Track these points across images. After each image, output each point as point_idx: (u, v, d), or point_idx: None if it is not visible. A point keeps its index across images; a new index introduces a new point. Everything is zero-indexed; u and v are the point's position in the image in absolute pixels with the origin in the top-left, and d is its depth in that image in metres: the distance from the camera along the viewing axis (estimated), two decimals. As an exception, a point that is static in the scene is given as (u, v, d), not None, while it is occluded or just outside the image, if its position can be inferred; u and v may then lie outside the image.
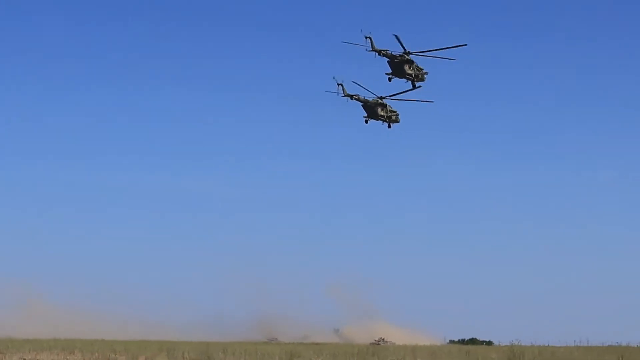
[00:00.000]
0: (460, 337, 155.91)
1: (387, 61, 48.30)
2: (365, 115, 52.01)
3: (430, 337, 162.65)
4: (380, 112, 50.56)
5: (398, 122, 52.09)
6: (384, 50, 47.54)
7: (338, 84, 50.23)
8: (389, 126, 52.23)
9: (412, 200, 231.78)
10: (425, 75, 49.22)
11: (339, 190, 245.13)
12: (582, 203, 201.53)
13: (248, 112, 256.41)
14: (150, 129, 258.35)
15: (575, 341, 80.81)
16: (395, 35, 46.44)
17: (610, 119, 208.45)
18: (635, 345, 72.50)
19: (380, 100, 49.26)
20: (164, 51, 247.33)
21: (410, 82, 48.03)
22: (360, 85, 48.98)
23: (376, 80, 52.16)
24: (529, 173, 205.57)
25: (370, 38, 46.52)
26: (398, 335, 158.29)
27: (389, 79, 49.01)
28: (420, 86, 50.34)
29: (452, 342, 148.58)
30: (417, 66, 48.08)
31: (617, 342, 76.44)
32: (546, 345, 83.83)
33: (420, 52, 47.29)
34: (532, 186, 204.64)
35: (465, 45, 51.16)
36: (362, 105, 51.28)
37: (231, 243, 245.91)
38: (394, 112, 51.07)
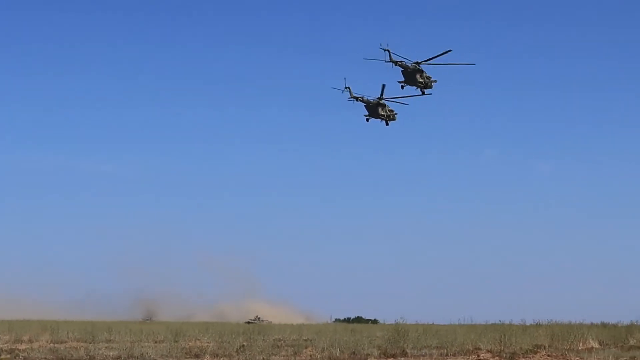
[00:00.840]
0: (346, 316, 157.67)
1: (402, 71, 52.94)
2: (367, 114, 56.67)
3: (312, 316, 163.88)
4: (380, 111, 55.58)
5: (395, 120, 56.53)
6: (400, 62, 52.32)
7: (346, 87, 54.83)
8: (387, 124, 57.04)
9: (299, 176, 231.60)
10: (433, 84, 53.72)
11: (221, 168, 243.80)
12: (464, 180, 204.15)
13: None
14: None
15: (459, 319, 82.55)
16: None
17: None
18: (517, 324, 74.16)
19: (380, 101, 54.10)
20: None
21: (419, 89, 52.76)
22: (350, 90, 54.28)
23: (375, 83, 58.24)
24: (406, 152, 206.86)
25: (388, 51, 51.34)
26: (277, 314, 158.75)
27: (402, 87, 53.74)
28: (430, 93, 54.84)
29: (337, 320, 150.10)
30: (427, 75, 52.55)
31: (500, 321, 78.21)
32: (430, 323, 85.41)
33: (427, 61, 51.75)
34: (409, 166, 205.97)
35: (474, 64, 56.33)
36: (364, 105, 56.00)
37: (111, 222, 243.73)
38: (392, 111, 55.74)
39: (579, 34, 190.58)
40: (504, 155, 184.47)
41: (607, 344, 64.18)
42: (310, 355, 51.96)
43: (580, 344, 61.66)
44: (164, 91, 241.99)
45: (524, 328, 67.77)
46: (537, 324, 75.48)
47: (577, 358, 49.31)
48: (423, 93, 53.71)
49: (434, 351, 53.59)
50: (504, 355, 49.91)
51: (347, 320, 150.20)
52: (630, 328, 76.79)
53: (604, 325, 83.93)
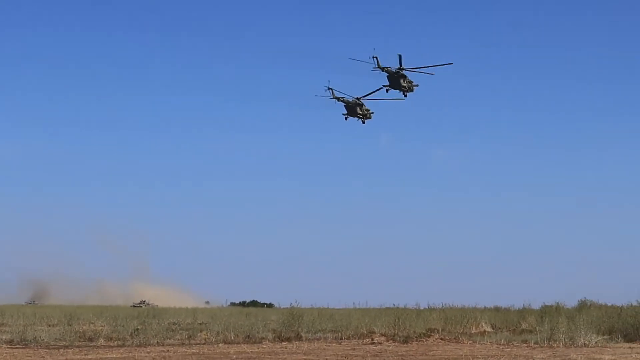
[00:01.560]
0: (242, 300, 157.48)
1: (387, 76, 56.01)
2: (345, 113, 59.67)
3: (200, 299, 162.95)
4: (358, 110, 58.69)
5: (370, 118, 60.11)
6: (386, 68, 55.41)
7: (328, 88, 57.89)
8: (363, 122, 60.32)
9: (196, 158, 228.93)
10: (415, 88, 56.89)
11: (118, 148, 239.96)
12: (360, 166, 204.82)
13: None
14: None
15: (354, 303, 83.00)
16: (399, 55, 55.54)
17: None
18: (411, 308, 74.90)
19: (358, 101, 57.71)
20: None
21: (402, 92, 56.26)
22: (339, 91, 58.13)
23: (355, 85, 61.73)
24: (305, 139, 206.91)
25: (376, 58, 54.84)
26: (168, 298, 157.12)
27: (387, 90, 56.91)
28: (406, 96, 57.66)
29: (233, 304, 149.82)
30: (409, 80, 56.05)
31: (395, 305, 78.81)
32: (325, 307, 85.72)
33: (411, 68, 55.74)
34: (306, 153, 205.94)
35: (452, 63, 58.60)
36: (344, 105, 58.98)
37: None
38: (369, 110, 59.04)
39: (467, 18, 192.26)
40: (400, 141, 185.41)
41: (499, 328, 65.21)
42: (205, 339, 51.74)
43: (474, 328, 62.56)
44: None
45: (418, 312, 68.50)
46: (430, 308, 76.30)
47: (470, 341, 49.92)
48: (405, 95, 57.11)
49: (329, 335, 53.79)
50: (398, 338, 50.30)
51: (243, 304, 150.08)
52: (522, 312, 78.09)
53: (497, 310, 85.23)
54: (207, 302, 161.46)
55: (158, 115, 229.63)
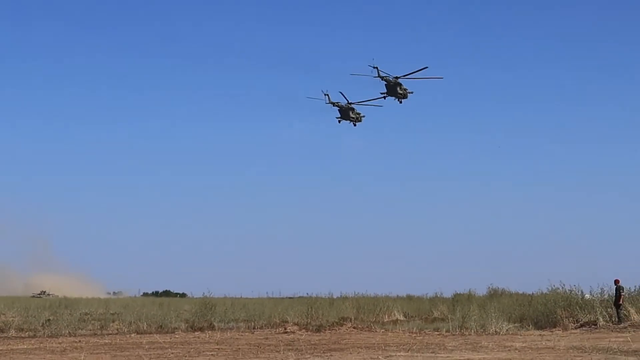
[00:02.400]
0: (154, 290, 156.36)
1: (385, 84, 59.90)
2: (339, 116, 64.05)
3: (106, 289, 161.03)
4: (351, 114, 63.08)
5: (361, 121, 64.33)
6: (385, 77, 59.55)
7: (325, 94, 62.14)
8: (354, 125, 64.62)
9: (105, 146, 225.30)
10: (409, 95, 60.99)
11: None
12: (273, 154, 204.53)
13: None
14: None
15: (267, 293, 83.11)
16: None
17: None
18: (324, 297, 75.16)
19: (350, 105, 62.22)
20: None
21: (397, 99, 60.30)
22: (342, 94, 62.49)
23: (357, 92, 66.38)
24: (218, 127, 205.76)
25: (377, 68, 59.19)
26: (70, 288, 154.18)
27: (384, 97, 60.79)
28: (402, 102, 61.80)
29: (145, 294, 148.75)
30: (404, 87, 60.15)
31: (308, 294, 79.06)
32: (239, 297, 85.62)
33: (405, 76, 60.08)
34: (219, 143, 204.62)
35: (442, 78, 66.62)
36: (338, 109, 63.36)
37: None
38: (359, 113, 63.46)
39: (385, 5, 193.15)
40: (313, 129, 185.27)
41: (412, 316, 65.82)
42: (117, 329, 51.32)
43: (386, 316, 63.04)
44: None
45: (331, 301, 68.71)
46: (343, 297, 76.57)
47: (383, 330, 50.20)
48: (400, 102, 61.23)
49: (242, 324, 53.74)
50: (311, 327, 50.40)
51: (155, 294, 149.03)
52: (434, 300, 78.87)
53: (409, 298, 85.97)
54: (114, 293, 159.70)
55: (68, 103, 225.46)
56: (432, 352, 33.61)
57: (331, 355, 32.24)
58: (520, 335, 45.49)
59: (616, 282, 51.70)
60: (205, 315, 54.46)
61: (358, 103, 64.03)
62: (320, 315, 54.32)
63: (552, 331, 48.63)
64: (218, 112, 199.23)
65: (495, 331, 47.62)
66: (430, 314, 67.62)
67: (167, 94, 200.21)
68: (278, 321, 54.34)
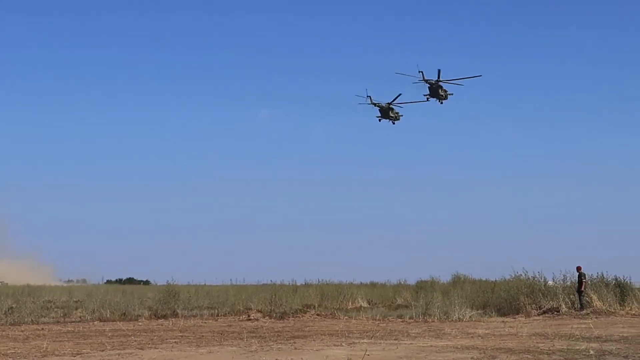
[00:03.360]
0: (118, 277, 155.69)
1: (428, 87, 64.45)
2: (379, 115, 68.70)
3: (58, 276, 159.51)
4: (390, 113, 67.71)
5: (399, 120, 69.02)
6: (429, 80, 64.04)
7: (368, 96, 67.05)
8: (393, 123, 69.15)
9: (56, 134, 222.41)
10: (449, 96, 65.60)
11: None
12: (239, 141, 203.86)
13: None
14: None
15: (231, 280, 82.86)
16: (439, 70, 65.20)
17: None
18: (288, 284, 75.09)
19: (389, 105, 67.05)
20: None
21: (439, 100, 65.27)
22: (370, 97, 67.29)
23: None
24: (180, 117, 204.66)
25: (422, 72, 63.94)
26: (24, 275, 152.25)
27: (427, 99, 65.42)
28: (442, 103, 66.84)
29: (109, 282, 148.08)
30: (445, 89, 64.93)
31: (271, 281, 78.99)
32: (202, 284, 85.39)
33: (447, 80, 64.80)
34: (179, 130, 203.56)
35: (480, 76, 71.07)
36: (379, 109, 68.01)
37: None
38: (398, 113, 68.12)
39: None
40: (280, 116, 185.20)
41: (375, 303, 65.94)
42: (80, 317, 51.11)
43: (350, 304, 63.12)
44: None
45: (295, 288, 68.65)
46: (307, 284, 76.59)
47: (346, 317, 50.30)
48: (441, 103, 66.01)
49: (205, 312, 53.67)
50: (275, 315, 50.43)
51: (119, 282, 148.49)
52: (398, 288, 79.11)
53: (373, 285, 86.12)
54: (77, 281, 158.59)
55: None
56: (395, 339, 33.69)
57: (294, 342, 32.22)
58: (483, 322, 45.74)
59: (578, 269, 52.08)
60: (169, 303, 54.39)
61: (397, 104, 68.76)
62: (284, 303, 54.32)
63: (515, 318, 48.94)
64: (177, 100, 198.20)
65: (459, 318, 47.86)
66: (394, 301, 67.79)
67: (117, 81, 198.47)
68: (242, 308, 54.30)
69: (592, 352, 27.11)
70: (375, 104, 68.43)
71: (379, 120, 70.03)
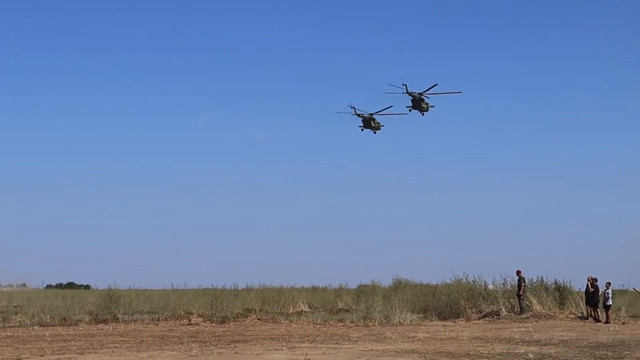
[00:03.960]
0: (58, 282, 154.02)
1: (411, 99, 66.77)
2: (362, 125, 71.00)
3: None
4: (372, 123, 70.38)
5: (380, 129, 71.34)
6: (412, 93, 66.63)
7: (352, 107, 69.97)
8: (375, 132, 71.55)
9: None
10: (430, 108, 68.04)
11: None
12: (179, 145, 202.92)
13: None
14: None
15: (172, 284, 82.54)
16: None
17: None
18: (229, 288, 74.93)
19: (372, 116, 69.91)
20: None
21: (420, 112, 67.94)
22: (357, 108, 70.27)
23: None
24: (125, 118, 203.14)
25: (406, 85, 66.23)
26: None
27: (410, 111, 67.82)
28: (424, 115, 69.12)
29: (49, 286, 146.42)
30: (427, 102, 67.45)
31: (212, 285, 78.80)
32: (143, 289, 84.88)
33: (430, 93, 67.17)
34: (123, 134, 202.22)
35: (461, 92, 72.33)
36: (362, 119, 70.64)
37: None
38: (379, 123, 70.96)
39: None
40: (221, 120, 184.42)
41: (316, 307, 65.98)
42: (20, 322, 50.66)
43: (291, 308, 63.10)
44: None
45: (236, 292, 68.61)
46: (248, 288, 76.44)
47: (287, 321, 50.33)
48: (422, 114, 68.47)
49: (146, 316, 53.38)
50: (215, 319, 50.32)
51: (60, 286, 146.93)
52: (339, 292, 79.19)
53: (314, 289, 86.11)
54: (17, 285, 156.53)
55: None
56: (336, 343, 33.76)
57: (235, 347, 32.18)
58: (424, 326, 45.99)
59: (518, 272, 52.51)
60: (109, 307, 54.07)
61: (378, 113, 71.27)
62: (225, 307, 54.16)
63: (455, 322, 49.25)
64: (123, 106, 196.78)
65: (399, 322, 48.07)
66: (335, 305, 67.88)
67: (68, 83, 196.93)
68: (183, 313, 54.11)
69: (531, 355, 27.39)
70: (358, 115, 71.17)
71: (362, 129, 72.66)
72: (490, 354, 28.19)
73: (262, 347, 32.20)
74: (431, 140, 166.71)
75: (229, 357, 27.79)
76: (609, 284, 50.44)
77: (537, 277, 55.19)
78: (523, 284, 52.07)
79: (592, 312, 49.89)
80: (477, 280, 56.13)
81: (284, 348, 31.40)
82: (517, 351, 28.84)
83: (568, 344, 32.22)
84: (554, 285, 54.02)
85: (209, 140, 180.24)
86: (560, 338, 35.52)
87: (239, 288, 75.81)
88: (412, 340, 35.02)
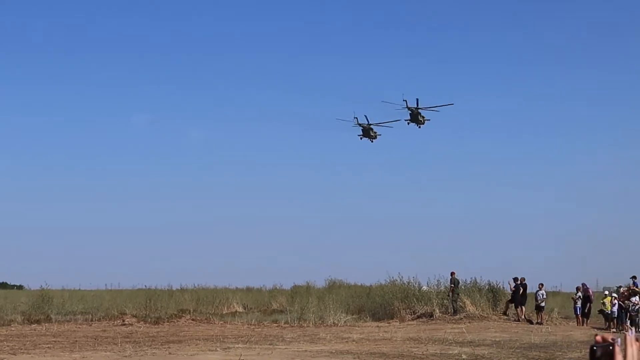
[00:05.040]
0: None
1: (410, 113, 70.67)
2: (361, 134, 74.33)
3: None
4: (370, 133, 73.81)
5: (376, 138, 74.60)
6: (411, 107, 70.47)
7: (354, 117, 73.50)
8: (372, 141, 74.62)
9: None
10: (426, 122, 72.16)
11: None
12: (112, 147, 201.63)
13: None
14: None
15: (106, 285, 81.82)
16: (417, 99, 71.55)
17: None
18: (163, 288, 74.50)
19: (369, 126, 73.41)
20: None
21: (417, 125, 71.70)
22: (366, 117, 73.51)
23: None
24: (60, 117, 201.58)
25: (406, 101, 70.19)
26: None
27: (408, 123, 71.72)
28: (420, 127, 72.85)
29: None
30: (423, 116, 71.50)
31: (146, 286, 78.29)
32: (77, 289, 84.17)
33: (426, 108, 71.27)
34: (69, 133, 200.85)
35: (452, 104, 75.93)
36: (361, 129, 74.01)
37: None
38: (376, 132, 74.35)
39: None
40: (155, 122, 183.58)
41: (251, 308, 65.99)
42: (-51, 323, 50.00)
43: (225, 308, 63.05)
44: None
45: (170, 293, 68.29)
46: (183, 289, 76.10)
47: (221, 322, 50.26)
48: (419, 127, 72.52)
49: (79, 316, 52.97)
50: (149, 319, 50.08)
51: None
52: (273, 292, 79.23)
53: (248, 290, 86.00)
54: None
55: None
56: (270, 344, 33.81)
57: (169, 347, 32.10)
58: (358, 327, 46.18)
59: (452, 274, 52.93)
60: (42, 308, 53.53)
61: (377, 124, 75.06)
62: (159, 307, 53.89)
63: (389, 323, 49.50)
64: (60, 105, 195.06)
65: (334, 323, 48.23)
66: (269, 305, 67.94)
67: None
68: (116, 313, 53.70)
69: (464, 356, 27.67)
70: (360, 125, 74.97)
71: (360, 138, 76.37)
72: (424, 354, 28.42)
73: (196, 347, 32.15)
74: (366, 142, 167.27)
75: (162, 358, 27.73)
76: (542, 285, 51.11)
77: (471, 278, 55.67)
78: (451, 286, 52.51)
79: (510, 310, 51.27)
80: (412, 281, 56.46)
81: (218, 349, 31.39)
82: (451, 352, 29.11)
83: (501, 345, 32.59)
84: (487, 286, 54.50)
85: (146, 142, 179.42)
86: (493, 339, 35.91)
87: (173, 288, 75.43)
88: (346, 341, 35.17)
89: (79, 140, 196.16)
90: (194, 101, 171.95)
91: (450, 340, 34.97)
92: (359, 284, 78.79)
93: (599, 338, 4.79)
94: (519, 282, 50.64)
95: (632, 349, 4.77)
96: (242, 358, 26.97)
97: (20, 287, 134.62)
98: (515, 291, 50.62)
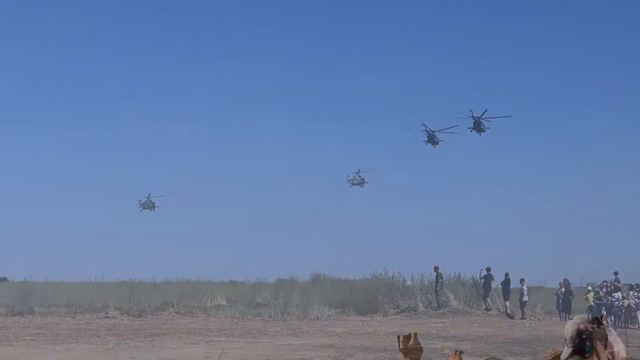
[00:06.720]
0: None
1: (473, 122, 75.64)
2: (426, 140, 78.14)
3: None
4: (434, 139, 77.29)
5: (438, 144, 78.45)
6: (476, 117, 75.41)
7: (424, 124, 77.97)
8: (434, 147, 78.64)
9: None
10: (486, 129, 76.55)
11: None
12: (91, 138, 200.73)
13: None
14: None
15: (90, 277, 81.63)
16: (486, 110, 76.30)
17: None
18: (147, 281, 74.35)
19: (434, 133, 76.99)
20: None
21: (478, 132, 76.73)
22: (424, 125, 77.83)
23: None
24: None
25: (472, 111, 75.08)
26: None
27: (470, 131, 76.46)
28: (480, 135, 77.92)
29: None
30: (484, 124, 75.95)
31: (130, 279, 78.08)
32: (60, 281, 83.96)
33: (439, 130, 77.59)
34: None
35: (511, 116, 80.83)
36: (427, 135, 77.42)
37: None
38: (439, 138, 77.69)
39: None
40: (139, 116, 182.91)
41: (235, 302, 65.89)
42: None
43: (209, 302, 62.92)
44: None
45: (154, 286, 68.12)
46: (167, 282, 75.91)
47: (205, 315, 50.26)
48: (480, 134, 77.21)
49: (63, 309, 52.87)
50: (133, 312, 50.04)
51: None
52: (257, 286, 79.08)
53: (232, 283, 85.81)
54: None
55: None
56: (253, 338, 33.82)
57: (152, 340, 32.07)
58: (342, 321, 46.23)
59: (436, 268, 52.97)
60: (25, 300, 53.47)
61: (440, 131, 79.64)
62: (143, 300, 53.86)
63: (373, 317, 49.55)
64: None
65: (317, 317, 48.28)
66: (253, 299, 67.79)
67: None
68: (100, 306, 53.64)
69: (447, 351, 27.68)
70: (427, 131, 79.69)
71: (425, 144, 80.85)
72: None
73: (180, 340, 32.13)
74: (340, 138, 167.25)
75: (145, 351, 27.69)
76: (523, 280, 51.25)
77: (455, 273, 55.71)
78: (440, 280, 52.56)
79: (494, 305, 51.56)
80: (396, 275, 56.49)
81: (201, 342, 31.37)
82: (434, 347, 29.11)
83: (484, 340, 32.67)
84: (471, 281, 54.57)
85: (125, 134, 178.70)
86: (476, 334, 35.98)
87: (157, 281, 75.28)
88: (330, 335, 35.21)
89: (65, 132, 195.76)
90: (174, 95, 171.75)
91: (433, 334, 35.02)
92: (343, 278, 78.84)
93: (582, 327, 4.83)
94: (487, 271, 51.21)
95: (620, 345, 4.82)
96: (225, 351, 26.95)
97: (3, 280, 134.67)
98: (485, 281, 51.05)
